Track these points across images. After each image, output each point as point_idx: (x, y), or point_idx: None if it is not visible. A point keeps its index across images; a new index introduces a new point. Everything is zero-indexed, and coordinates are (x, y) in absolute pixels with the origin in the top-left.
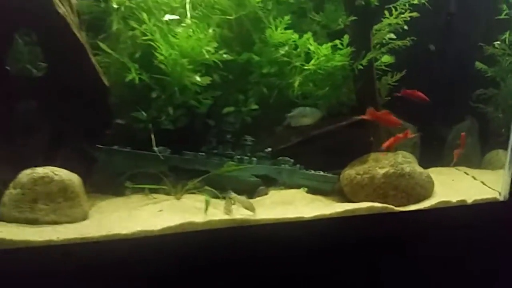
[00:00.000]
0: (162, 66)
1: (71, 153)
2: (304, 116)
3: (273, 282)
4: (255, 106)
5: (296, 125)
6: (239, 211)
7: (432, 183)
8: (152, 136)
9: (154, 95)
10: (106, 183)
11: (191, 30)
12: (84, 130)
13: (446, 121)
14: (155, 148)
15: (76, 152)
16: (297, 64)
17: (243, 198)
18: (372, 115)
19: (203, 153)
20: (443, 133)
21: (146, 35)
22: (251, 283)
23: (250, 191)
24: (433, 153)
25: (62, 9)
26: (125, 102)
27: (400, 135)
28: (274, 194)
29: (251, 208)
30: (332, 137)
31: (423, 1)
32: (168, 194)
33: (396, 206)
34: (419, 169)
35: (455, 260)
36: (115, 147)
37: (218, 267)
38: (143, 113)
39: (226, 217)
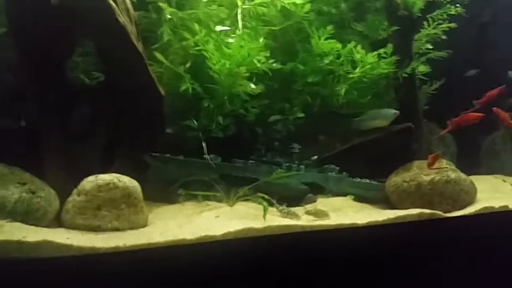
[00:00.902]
0: (214, 76)
1: (125, 161)
2: (376, 119)
3: (332, 285)
4: (301, 114)
5: (368, 128)
6: (298, 217)
7: (475, 189)
8: (204, 144)
9: (205, 104)
10: (159, 190)
11: (242, 40)
12: (138, 138)
13: (480, 130)
14: (207, 156)
15: (130, 160)
16: (342, 72)
17: (315, 208)
18: (455, 124)
19: (252, 161)
20: (479, 141)
21: (198, 46)
22: (311, 285)
23: (299, 198)
24: (470, 161)
25: (122, 19)
26: (175, 111)
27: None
28: (323, 202)
29: (323, 215)
30: (376, 145)
31: (459, 11)
32: (219, 201)
33: (442, 212)
34: (463, 175)
35: (500, 262)
36: (167, 155)
37: (278, 270)
38: (194, 121)
39: (284, 222)
